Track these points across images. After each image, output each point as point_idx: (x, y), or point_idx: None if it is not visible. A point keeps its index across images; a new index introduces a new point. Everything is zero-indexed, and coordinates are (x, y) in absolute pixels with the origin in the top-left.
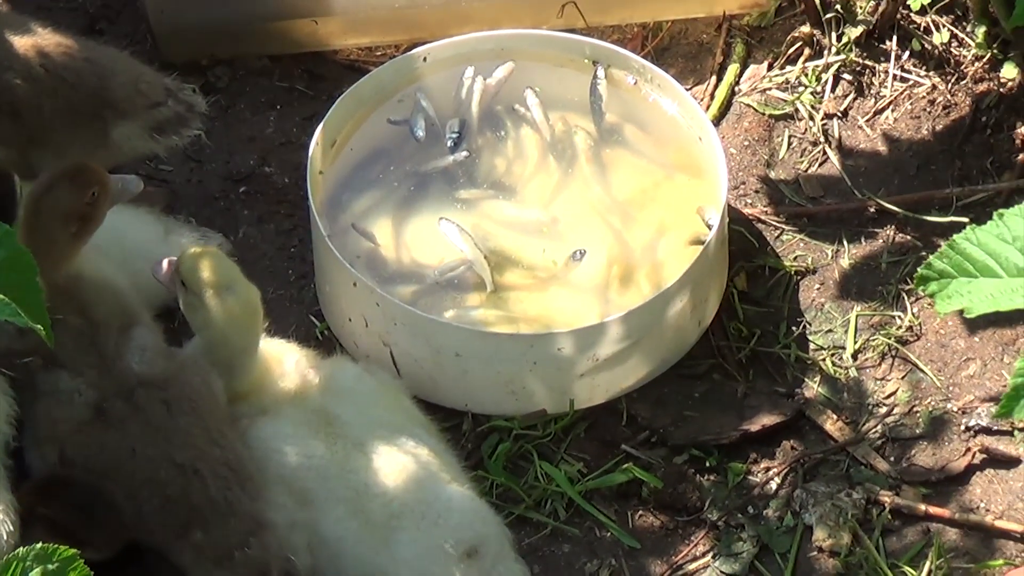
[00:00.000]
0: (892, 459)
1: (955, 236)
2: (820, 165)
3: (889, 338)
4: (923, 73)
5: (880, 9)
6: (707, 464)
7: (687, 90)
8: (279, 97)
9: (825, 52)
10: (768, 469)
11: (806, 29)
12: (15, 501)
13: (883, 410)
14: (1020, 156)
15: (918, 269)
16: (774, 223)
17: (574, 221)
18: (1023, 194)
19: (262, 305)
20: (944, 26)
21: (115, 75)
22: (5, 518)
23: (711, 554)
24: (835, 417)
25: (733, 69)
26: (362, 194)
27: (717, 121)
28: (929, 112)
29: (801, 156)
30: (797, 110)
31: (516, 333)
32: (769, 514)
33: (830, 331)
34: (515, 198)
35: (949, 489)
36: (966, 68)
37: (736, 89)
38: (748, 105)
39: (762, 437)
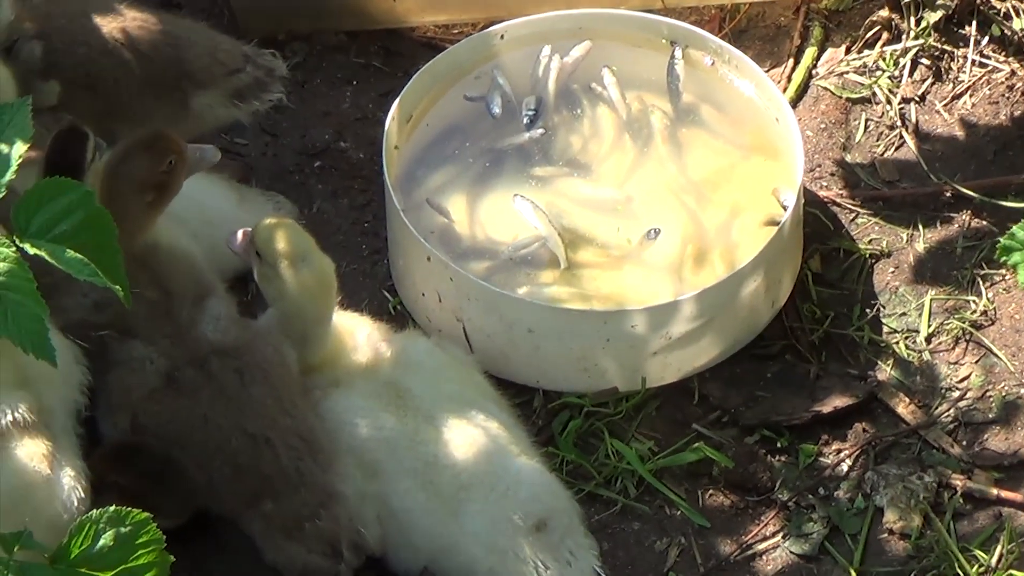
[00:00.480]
0: (964, 443)
1: None
2: (896, 149)
3: (963, 322)
4: (1002, 59)
5: None
6: (778, 445)
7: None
8: (355, 73)
9: (903, 36)
10: (839, 451)
11: (884, 13)
12: (86, 468)
13: (956, 394)
14: None
15: (1000, 240)
16: (849, 206)
17: (649, 200)
18: None
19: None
20: None
21: (192, 46)
22: (76, 484)
23: (781, 534)
24: (907, 400)
25: (811, 52)
26: (437, 170)
27: (794, 104)
28: (1008, 98)
29: (878, 140)
30: (874, 94)
31: (590, 309)
32: (840, 495)
33: (904, 314)
34: (590, 176)
35: (1021, 474)
36: None
37: (813, 72)
38: (825, 88)
39: (834, 419)
